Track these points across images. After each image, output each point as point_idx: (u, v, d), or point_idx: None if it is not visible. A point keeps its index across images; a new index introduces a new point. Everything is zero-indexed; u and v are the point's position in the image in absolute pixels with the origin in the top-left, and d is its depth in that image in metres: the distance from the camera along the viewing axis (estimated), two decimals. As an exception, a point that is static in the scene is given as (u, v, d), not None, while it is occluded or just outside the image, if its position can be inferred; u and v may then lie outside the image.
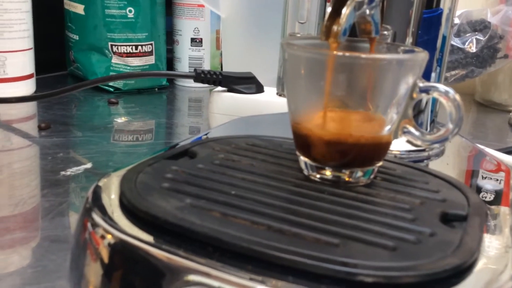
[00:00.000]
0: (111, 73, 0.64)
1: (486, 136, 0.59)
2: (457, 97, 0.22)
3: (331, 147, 0.24)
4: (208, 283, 0.17)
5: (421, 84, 0.23)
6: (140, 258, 0.19)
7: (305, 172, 0.25)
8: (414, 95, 0.23)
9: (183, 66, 0.71)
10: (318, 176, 0.24)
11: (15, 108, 0.55)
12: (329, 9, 0.23)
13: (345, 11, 0.22)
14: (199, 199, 0.21)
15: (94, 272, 0.21)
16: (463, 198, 0.24)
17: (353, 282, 0.17)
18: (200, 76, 0.51)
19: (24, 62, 0.58)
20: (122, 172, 0.24)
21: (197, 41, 0.70)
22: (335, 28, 0.23)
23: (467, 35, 0.62)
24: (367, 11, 0.24)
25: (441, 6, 0.35)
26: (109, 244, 0.20)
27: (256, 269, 0.17)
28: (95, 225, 0.21)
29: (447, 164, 0.33)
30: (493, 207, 0.25)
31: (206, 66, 0.71)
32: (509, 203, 0.26)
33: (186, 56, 0.71)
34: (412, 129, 0.24)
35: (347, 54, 0.22)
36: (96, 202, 0.22)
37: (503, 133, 0.60)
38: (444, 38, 0.36)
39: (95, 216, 0.21)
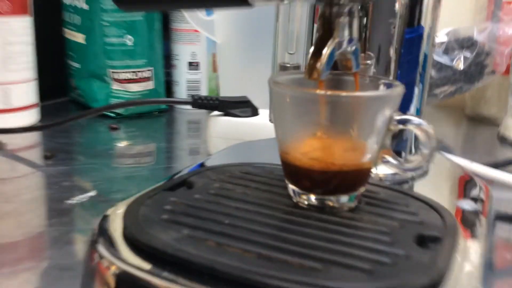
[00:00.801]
0: (112, 99, 0.67)
1: (475, 151, 0.61)
2: (429, 128, 0.24)
3: (316, 175, 0.26)
4: (204, 308, 0.19)
5: (397, 117, 0.25)
6: (140, 285, 0.21)
7: (294, 199, 0.27)
8: (391, 127, 0.25)
9: (181, 89, 0.73)
10: (305, 202, 0.27)
11: (20, 137, 0.58)
12: (311, 49, 0.25)
13: (325, 51, 0.24)
14: (195, 229, 0.23)
15: (101, 300, 0.23)
16: (440, 220, 0.26)
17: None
18: (197, 102, 0.53)
19: (28, 93, 0.60)
20: (125, 203, 0.27)
21: (194, 64, 0.72)
22: (317, 66, 0.25)
23: (455, 52, 0.65)
24: (348, 49, 0.26)
25: (422, 24, 0.36)
26: (114, 274, 0.22)
27: (247, 294, 0.19)
28: (101, 256, 0.23)
29: (430, 185, 0.35)
30: (469, 226, 0.27)
31: (204, 89, 0.73)
32: (482, 221, 0.27)
33: (184, 79, 0.73)
34: (390, 159, 0.26)
35: (328, 93, 0.24)
36: (102, 235, 0.24)
37: (492, 147, 0.62)
38: (425, 56, 0.38)
39: (101, 248, 0.23)
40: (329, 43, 0.24)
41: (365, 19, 0.32)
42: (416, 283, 0.20)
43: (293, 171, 0.27)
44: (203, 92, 0.74)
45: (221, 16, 0.62)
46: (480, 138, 0.66)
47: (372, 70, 0.34)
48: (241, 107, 0.53)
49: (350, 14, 0.24)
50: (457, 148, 0.63)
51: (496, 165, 0.52)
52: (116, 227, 0.25)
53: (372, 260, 0.21)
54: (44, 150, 0.54)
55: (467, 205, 0.30)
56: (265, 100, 0.55)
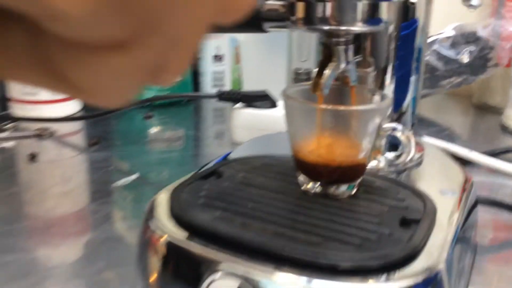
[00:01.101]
0: (146, 91, 0.74)
1: (478, 139, 0.66)
2: (409, 134, 0.30)
3: (320, 169, 0.32)
4: (232, 269, 0.26)
5: (384, 126, 0.31)
6: (184, 253, 0.28)
7: (303, 187, 0.33)
8: (381, 132, 0.31)
9: (207, 79, 0.80)
10: (312, 190, 0.33)
11: (66, 125, 0.65)
12: (315, 69, 0.31)
13: (326, 72, 0.30)
14: (225, 211, 0.30)
15: (154, 263, 0.30)
16: (422, 205, 0.32)
17: (327, 268, 0.25)
18: (222, 96, 0.59)
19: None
20: (168, 189, 0.33)
21: (219, 57, 0.78)
22: (320, 83, 0.31)
23: (461, 46, 0.69)
24: (345, 69, 0.32)
25: (416, 17, 0.40)
26: (163, 244, 0.29)
27: (264, 260, 0.26)
28: (153, 230, 0.30)
29: (422, 174, 0.41)
30: (447, 209, 0.33)
31: (227, 79, 0.80)
32: (459, 205, 0.34)
33: (209, 71, 0.79)
34: (380, 158, 0.32)
35: (329, 107, 0.30)
36: (153, 214, 0.31)
37: (494, 136, 0.67)
38: (420, 49, 0.42)
39: (153, 224, 0.30)
40: (329, 65, 0.30)
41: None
42: (394, 255, 0.26)
43: (302, 165, 0.33)
44: (227, 82, 0.80)
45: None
46: (484, 127, 0.72)
47: (372, 74, 0.40)
48: (261, 100, 0.59)
49: (346, 42, 0.30)
50: (464, 135, 0.68)
51: (494, 153, 0.58)
52: (163, 208, 0.32)
53: (361, 237, 0.28)
54: (89, 137, 0.61)
55: (448, 192, 0.36)
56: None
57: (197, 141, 0.64)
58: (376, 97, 0.33)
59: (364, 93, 0.34)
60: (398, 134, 0.31)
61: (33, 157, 0.53)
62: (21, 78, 0.12)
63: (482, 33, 0.67)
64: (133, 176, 0.50)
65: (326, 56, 0.30)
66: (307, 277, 0.25)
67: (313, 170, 0.32)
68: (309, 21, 0.29)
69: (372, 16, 0.30)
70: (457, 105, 0.80)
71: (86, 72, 0.11)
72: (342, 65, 0.31)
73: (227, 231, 0.28)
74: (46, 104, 0.65)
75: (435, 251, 0.28)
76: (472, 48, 0.69)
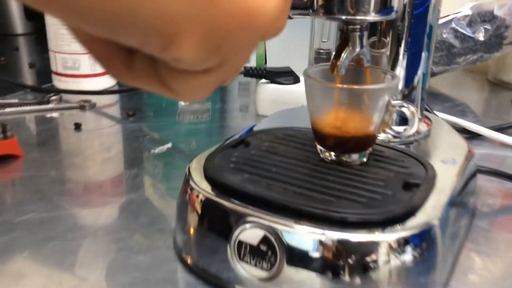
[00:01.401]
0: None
1: (489, 114, 0.70)
2: (413, 109, 0.35)
3: (335, 139, 0.37)
4: (258, 221, 0.31)
5: (393, 102, 0.35)
6: (218, 209, 0.34)
7: (320, 155, 0.38)
8: (390, 108, 0.36)
9: (233, 55, 0.84)
10: (328, 158, 0.38)
11: (105, 98, 0.71)
12: (333, 53, 0.36)
13: (343, 56, 0.35)
14: (252, 174, 0.35)
15: (192, 217, 0.35)
16: (424, 172, 0.37)
17: (337, 221, 0.31)
18: (248, 72, 0.64)
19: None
20: (203, 156, 0.39)
21: (245, 34, 0.83)
22: (337, 65, 0.35)
23: (478, 25, 0.72)
24: (360, 53, 0.36)
25: None
26: (200, 200, 0.35)
27: (285, 215, 0.31)
28: (191, 189, 0.36)
29: (429, 145, 0.45)
30: (446, 176, 0.38)
31: (252, 56, 0.84)
32: (458, 174, 0.38)
33: (236, 47, 0.84)
34: (388, 130, 0.36)
35: (344, 86, 0.35)
36: (191, 175, 0.36)
37: (505, 111, 0.70)
38: (431, 27, 0.45)
39: (192, 183, 0.36)
40: (345, 50, 0.34)
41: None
42: (395, 212, 0.31)
43: (320, 136, 0.38)
44: (252, 58, 0.84)
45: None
46: (496, 102, 0.75)
47: (386, 54, 0.44)
48: (284, 76, 0.64)
49: (361, 29, 0.34)
50: (477, 110, 0.72)
51: (503, 128, 0.61)
52: (199, 172, 0.37)
53: (368, 197, 0.33)
54: (125, 109, 0.67)
55: (450, 161, 0.40)
56: (305, 67, 0.66)
57: (224, 113, 0.70)
58: (387, 76, 0.37)
59: (376, 73, 0.38)
60: (405, 110, 0.35)
61: (78, 127, 0.59)
62: (138, 83, 0.17)
63: (498, 12, 0.70)
64: (167, 145, 0.55)
65: (343, 41, 0.34)
66: (321, 228, 0.31)
67: (329, 141, 0.37)
68: (329, 11, 0.33)
69: (385, 6, 0.34)
70: (473, 82, 0.83)
71: (182, 84, 0.16)
72: (357, 49, 0.35)
73: (254, 190, 0.33)
74: (85, 78, 0.71)
75: (432, 210, 0.33)
76: (487, 26, 0.72)
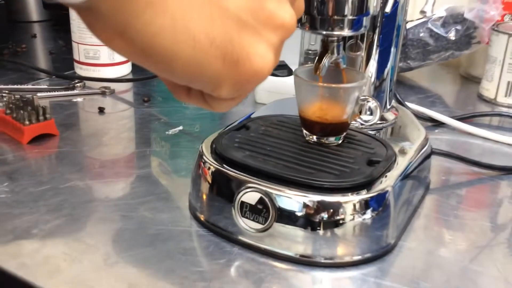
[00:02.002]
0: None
1: (457, 105, 0.80)
2: (376, 103, 0.45)
3: (317, 125, 0.47)
4: (256, 187, 0.42)
5: (362, 97, 0.45)
6: (225, 177, 0.44)
7: (305, 137, 0.49)
8: (359, 101, 0.46)
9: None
10: (312, 140, 0.48)
11: (122, 85, 0.80)
12: (316, 58, 0.46)
13: (324, 59, 0.45)
14: (252, 152, 0.45)
15: (204, 185, 0.46)
16: (385, 151, 0.47)
17: (315, 187, 0.41)
18: (248, 65, 0.74)
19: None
20: (212, 137, 0.49)
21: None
22: (319, 67, 0.45)
23: (450, 25, 0.82)
24: (338, 57, 0.46)
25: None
26: (211, 171, 0.45)
27: (277, 182, 0.42)
28: (204, 162, 0.46)
29: (394, 130, 0.55)
30: (402, 155, 0.48)
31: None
32: (412, 156, 0.48)
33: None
34: (358, 119, 0.47)
35: (324, 85, 0.45)
36: (204, 152, 0.47)
37: (471, 102, 0.80)
38: (399, 26, 0.54)
39: (204, 158, 0.46)
40: (326, 55, 0.44)
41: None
42: (358, 179, 0.42)
43: (305, 122, 0.48)
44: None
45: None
46: (464, 94, 0.85)
47: (361, 56, 0.54)
48: (279, 69, 0.74)
49: (338, 40, 0.44)
50: (447, 101, 0.82)
51: (466, 117, 0.72)
52: (209, 149, 0.47)
53: (340, 170, 0.43)
54: (141, 95, 0.76)
55: (407, 143, 0.50)
56: (297, 61, 0.75)
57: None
58: (359, 76, 0.47)
59: (350, 73, 0.48)
60: (369, 103, 0.45)
61: (101, 110, 0.69)
62: (191, 102, 0.28)
63: (468, 15, 0.80)
64: (179, 128, 0.65)
65: (324, 49, 0.44)
66: (304, 192, 0.41)
67: (312, 126, 0.47)
68: (313, 26, 0.43)
69: (356, 25, 0.44)
70: (447, 75, 0.93)
71: (218, 105, 0.27)
72: (335, 55, 0.45)
73: (253, 163, 0.43)
74: (104, 67, 0.80)
75: (387, 180, 0.43)
76: (458, 27, 0.81)
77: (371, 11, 0.43)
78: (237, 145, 0.47)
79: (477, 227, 0.47)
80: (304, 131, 0.49)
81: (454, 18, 0.82)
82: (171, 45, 0.22)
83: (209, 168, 0.45)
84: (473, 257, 0.43)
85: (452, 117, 0.69)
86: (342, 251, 0.42)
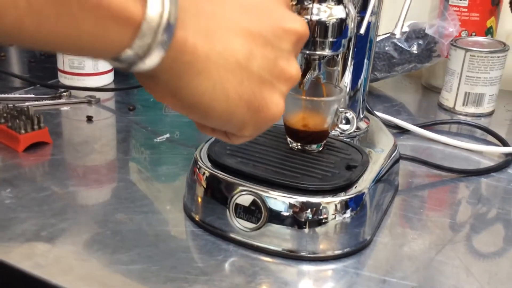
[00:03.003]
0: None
1: (419, 113, 0.87)
2: (353, 114, 0.51)
3: (301, 133, 0.52)
4: (249, 190, 0.46)
5: (340, 109, 0.51)
6: (220, 181, 0.48)
7: (290, 145, 0.54)
8: (338, 113, 0.51)
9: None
10: (295, 147, 0.53)
11: (105, 94, 0.83)
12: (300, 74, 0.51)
13: (307, 75, 0.50)
14: (242, 158, 0.50)
15: (200, 189, 0.50)
16: (361, 157, 0.53)
17: (301, 189, 0.46)
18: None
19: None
20: (203, 145, 0.53)
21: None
22: (303, 82, 0.51)
23: (413, 40, 0.89)
24: (319, 73, 0.52)
25: (369, 19, 0.58)
26: (206, 176, 0.50)
27: (267, 185, 0.46)
28: (199, 168, 0.50)
29: (366, 137, 0.61)
30: (375, 161, 0.54)
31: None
32: (383, 159, 0.54)
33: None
34: (337, 128, 0.52)
35: (307, 98, 0.50)
36: (199, 158, 0.51)
37: (432, 111, 0.87)
38: (371, 40, 0.60)
39: (199, 163, 0.50)
40: (309, 72, 0.50)
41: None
42: (338, 183, 0.47)
43: (290, 131, 0.53)
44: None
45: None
46: (426, 103, 0.92)
47: (337, 70, 0.59)
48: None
49: (319, 59, 0.49)
50: (410, 109, 0.89)
51: (428, 125, 0.79)
52: (204, 155, 0.52)
53: (322, 174, 0.49)
54: (125, 104, 0.80)
55: (379, 150, 0.56)
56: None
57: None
58: (337, 90, 0.53)
59: (330, 87, 0.54)
60: (347, 115, 0.51)
61: (90, 119, 0.72)
62: (215, 136, 0.33)
63: (429, 31, 0.87)
64: (166, 135, 0.69)
65: (307, 66, 0.50)
66: (291, 195, 0.46)
67: (296, 134, 0.53)
68: (297, 46, 0.49)
69: (336, 44, 0.49)
70: (410, 85, 1.00)
71: (237, 139, 0.33)
72: (316, 72, 0.51)
73: (245, 169, 0.48)
74: (88, 76, 0.83)
75: (363, 183, 0.49)
76: (420, 42, 0.89)
77: (349, 33, 0.49)
78: (228, 152, 0.51)
79: (441, 224, 0.54)
80: (289, 139, 0.54)
81: (417, 34, 0.90)
82: (210, 102, 0.28)
83: (203, 174, 0.50)
84: (438, 250, 0.49)
85: (416, 125, 0.76)
86: (325, 246, 0.47)
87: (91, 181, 0.56)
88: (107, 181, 0.57)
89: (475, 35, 0.88)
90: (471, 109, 0.83)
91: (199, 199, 0.50)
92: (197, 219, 0.51)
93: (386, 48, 0.90)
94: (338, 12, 0.47)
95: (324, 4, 0.47)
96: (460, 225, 0.54)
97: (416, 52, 0.89)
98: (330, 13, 0.47)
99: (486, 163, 0.68)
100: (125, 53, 0.25)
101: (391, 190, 0.58)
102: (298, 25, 0.31)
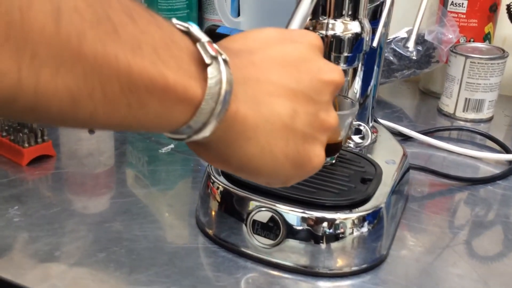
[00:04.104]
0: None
1: (419, 119, 0.88)
2: (367, 126, 0.51)
3: (314, 147, 0.52)
4: (267, 206, 0.46)
5: (354, 122, 0.51)
6: (234, 196, 0.48)
7: (302, 158, 0.53)
8: (351, 126, 0.51)
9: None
10: (308, 160, 0.53)
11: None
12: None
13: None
14: (257, 172, 0.50)
15: (214, 204, 0.49)
16: (374, 170, 0.53)
17: (319, 205, 0.46)
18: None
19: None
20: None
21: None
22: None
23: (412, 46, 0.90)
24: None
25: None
26: (220, 191, 0.49)
27: (285, 201, 0.46)
28: (212, 181, 0.50)
29: (376, 149, 0.61)
30: (389, 173, 0.54)
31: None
32: (396, 170, 0.54)
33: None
34: (351, 142, 0.52)
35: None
36: (212, 172, 0.50)
37: (432, 117, 0.88)
38: (381, 48, 0.61)
39: (212, 178, 0.50)
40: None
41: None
42: (356, 199, 0.47)
43: (302, 144, 0.53)
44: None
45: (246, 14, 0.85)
46: (425, 109, 0.93)
47: (347, 79, 0.59)
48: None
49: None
50: (410, 115, 0.89)
51: (429, 131, 0.79)
52: (216, 170, 0.51)
53: (338, 188, 0.48)
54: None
55: (391, 161, 0.56)
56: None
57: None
58: (351, 103, 0.53)
59: (343, 101, 0.53)
60: (362, 128, 0.51)
61: (91, 129, 0.71)
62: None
63: (428, 37, 0.88)
64: (171, 146, 0.69)
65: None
66: (309, 210, 0.46)
67: (309, 148, 0.52)
68: (312, 60, 0.48)
69: (352, 59, 0.49)
70: (408, 90, 1.01)
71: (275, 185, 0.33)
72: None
73: (255, 184, 0.48)
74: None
75: (380, 197, 0.49)
76: (419, 48, 0.89)
77: (364, 48, 0.49)
78: (242, 167, 0.51)
79: (453, 235, 0.54)
80: (301, 152, 0.53)
81: (416, 40, 0.90)
82: (258, 165, 0.29)
83: (217, 188, 0.49)
84: (454, 262, 0.49)
85: (419, 132, 0.76)
86: (343, 262, 0.47)
87: (100, 196, 0.55)
88: (117, 195, 0.56)
89: (473, 41, 0.89)
90: (471, 115, 0.84)
91: (213, 214, 0.50)
92: (210, 233, 0.50)
93: (386, 54, 0.90)
94: (354, 27, 0.47)
95: (339, 20, 0.47)
96: (472, 236, 0.54)
97: (415, 58, 0.89)
98: (345, 28, 0.47)
99: (489, 169, 0.68)
100: (183, 128, 0.26)
101: (402, 201, 0.58)
102: (335, 75, 0.32)
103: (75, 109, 0.22)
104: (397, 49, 0.90)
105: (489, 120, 0.85)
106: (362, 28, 0.47)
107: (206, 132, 0.26)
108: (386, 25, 0.57)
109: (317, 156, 0.33)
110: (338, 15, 0.47)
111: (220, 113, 0.26)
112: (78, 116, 0.22)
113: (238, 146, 0.28)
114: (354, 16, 0.47)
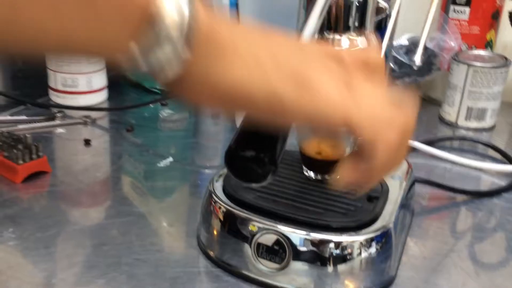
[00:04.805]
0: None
1: (420, 128, 0.86)
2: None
3: (317, 163, 0.51)
4: (273, 229, 0.44)
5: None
6: (238, 218, 0.46)
7: (306, 174, 0.52)
8: (356, 141, 0.50)
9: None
10: (313, 177, 0.51)
11: (99, 113, 0.80)
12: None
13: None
14: (261, 192, 0.48)
15: (216, 224, 0.48)
16: (380, 187, 0.51)
17: (325, 226, 0.44)
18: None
19: (102, 78, 0.82)
20: (221, 175, 0.51)
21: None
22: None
23: (413, 54, 0.88)
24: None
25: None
26: (222, 211, 0.47)
27: (290, 223, 0.44)
28: (214, 201, 0.48)
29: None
30: (395, 189, 0.53)
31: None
32: (402, 186, 0.53)
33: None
34: (356, 157, 0.51)
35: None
36: (213, 190, 0.49)
37: (433, 126, 0.87)
38: (386, 54, 0.59)
39: (214, 197, 0.48)
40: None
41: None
42: (364, 219, 0.45)
43: (306, 159, 0.51)
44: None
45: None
46: (426, 117, 0.92)
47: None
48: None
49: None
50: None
51: (431, 142, 0.78)
52: (219, 188, 0.49)
53: (345, 208, 0.47)
54: (123, 124, 0.76)
55: (396, 177, 0.55)
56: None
57: (198, 124, 0.81)
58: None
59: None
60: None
61: (87, 142, 0.69)
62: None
63: (429, 44, 0.86)
64: (169, 159, 0.67)
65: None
66: (316, 232, 0.44)
67: (312, 163, 0.51)
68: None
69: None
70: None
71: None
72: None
73: (266, 205, 0.46)
74: (82, 94, 0.80)
75: (387, 216, 0.48)
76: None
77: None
78: (245, 186, 0.49)
79: (460, 250, 0.52)
80: (304, 168, 0.52)
81: (416, 46, 0.88)
82: (250, 88, 0.28)
83: (220, 208, 0.48)
84: (464, 283, 0.48)
85: (422, 141, 0.74)
86: (353, 285, 0.45)
87: (97, 216, 0.54)
88: (114, 215, 0.54)
89: (475, 48, 0.88)
90: (474, 124, 0.83)
91: (215, 235, 0.48)
92: (212, 255, 0.48)
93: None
94: (360, 42, 0.46)
95: (344, 35, 0.46)
96: (481, 254, 0.53)
97: (416, 67, 0.88)
98: (351, 44, 0.45)
99: (492, 180, 0.67)
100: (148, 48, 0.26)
101: (409, 216, 0.56)
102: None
103: (15, 11, 0.21)
104: (398, 57, 0.88)
105: (492, 128, 0.84)
106: (368, 43, 0.46)
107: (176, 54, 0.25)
108: (391, 37, 0.56)
109: (323, 82, 0.31)
110: (344, 29, 0.46)
111: (183, 28, 0.25)
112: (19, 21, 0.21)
113: (222, 68, 0.27)
114: (360, 32, 0.46)
